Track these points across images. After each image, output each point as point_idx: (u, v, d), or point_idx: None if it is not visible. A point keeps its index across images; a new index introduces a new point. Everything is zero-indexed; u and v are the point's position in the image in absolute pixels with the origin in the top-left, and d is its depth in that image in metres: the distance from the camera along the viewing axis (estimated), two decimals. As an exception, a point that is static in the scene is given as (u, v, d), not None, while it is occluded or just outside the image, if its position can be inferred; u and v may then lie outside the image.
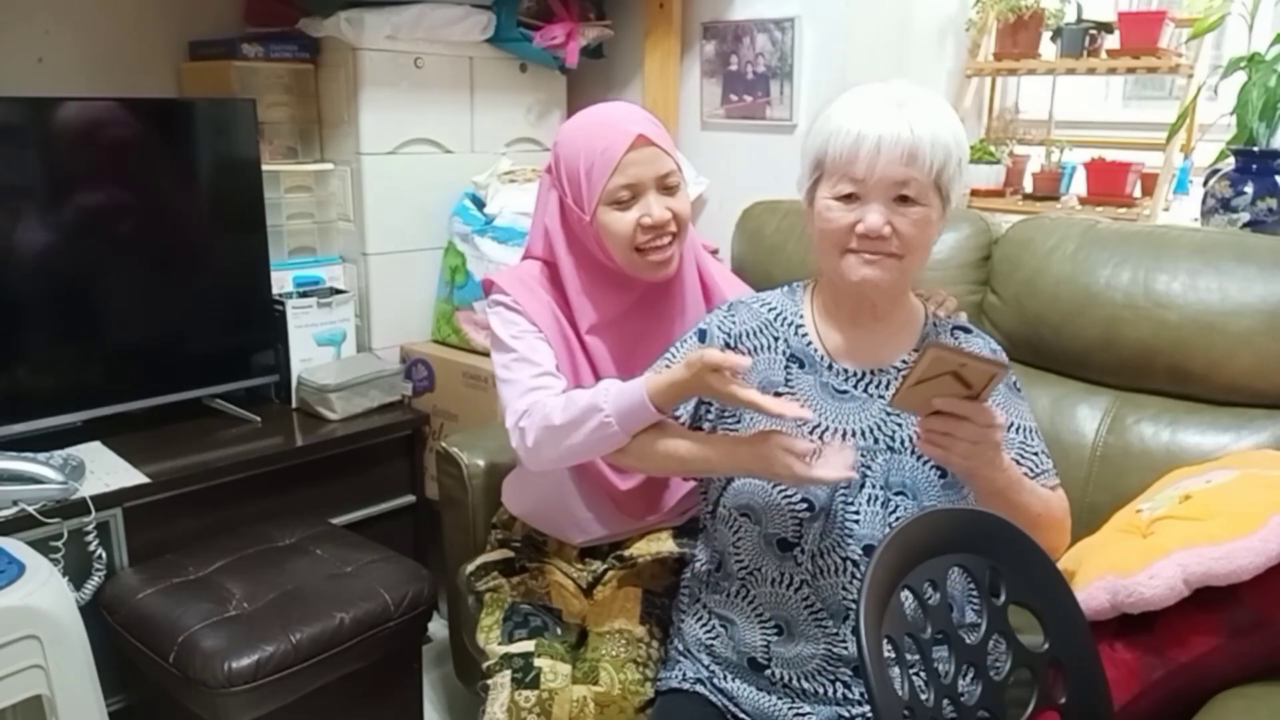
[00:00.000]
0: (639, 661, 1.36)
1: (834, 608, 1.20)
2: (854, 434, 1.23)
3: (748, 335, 1.30)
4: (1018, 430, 1.26)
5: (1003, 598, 1.05)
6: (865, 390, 1.25)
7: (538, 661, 1.35)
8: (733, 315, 1.33)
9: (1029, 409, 1.30)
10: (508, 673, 1.34)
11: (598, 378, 1.45)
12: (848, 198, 1.18)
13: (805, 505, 1.22)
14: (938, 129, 1.15)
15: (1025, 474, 1.23)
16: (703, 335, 1.33)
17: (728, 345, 1.30)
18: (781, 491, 1.23)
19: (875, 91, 1.19)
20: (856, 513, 1.21)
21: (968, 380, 1.03)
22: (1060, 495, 1.26)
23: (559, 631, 1.42)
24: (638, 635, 1.39)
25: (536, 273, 1.49)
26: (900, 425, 1.23)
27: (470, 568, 1.58)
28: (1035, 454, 1.26)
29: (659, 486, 1.52)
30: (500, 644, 1.40)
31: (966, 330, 1.33)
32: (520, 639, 1.39)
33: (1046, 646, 1.06)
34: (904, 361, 1.26)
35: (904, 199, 1.16)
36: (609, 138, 1.36)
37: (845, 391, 1.25)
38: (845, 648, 1.20)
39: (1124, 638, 1.16)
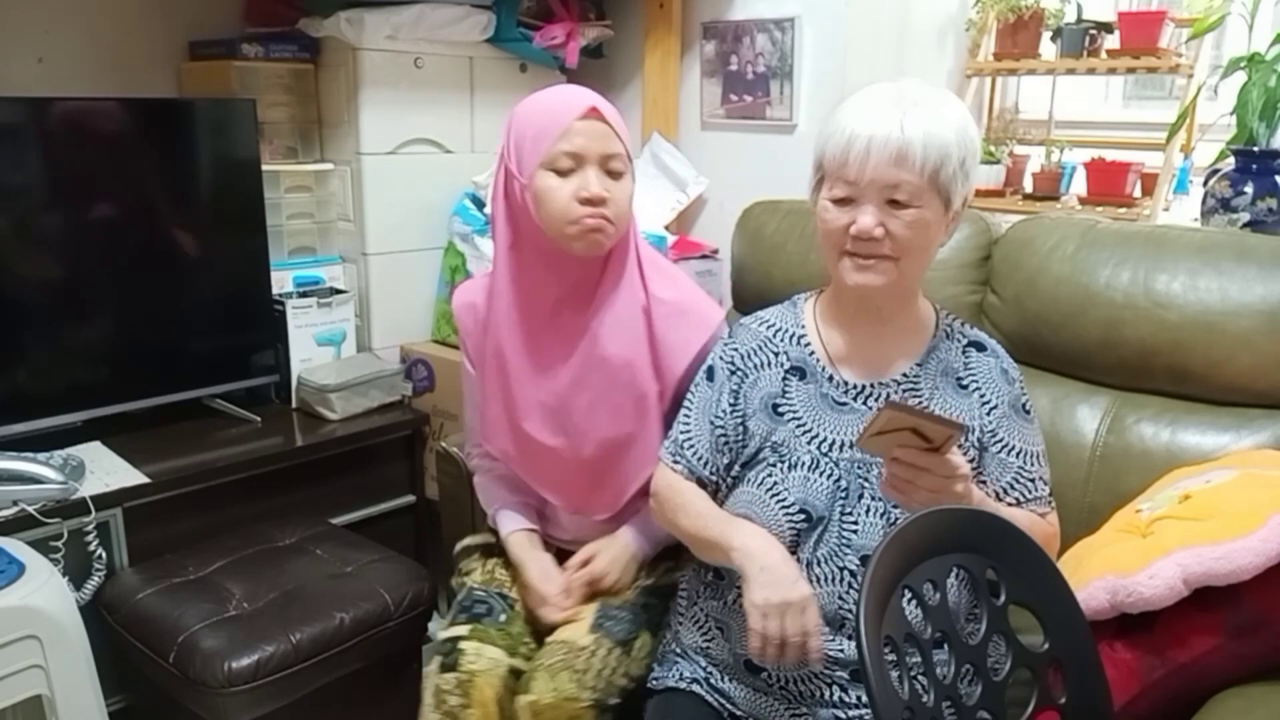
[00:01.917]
0: (577, 670, 1.32)
1: (830, 616, 1.20)
2: (852, 447, 1.22)
3: (748, 355, 1.31)
4: (1018, 454, 1.25)
5: (1003, 598, 1.05)
6: (864, 403, 1.25)
7: (463, 644, 1.37)
8: (733, 340, 1.34)
9: (1037, 432, 1.29)
10: (438, 658, 1.37)
11: (507, 381, 1.46)
12: (843, 200, 1.18)
13: (803, 516, 1.21)
14: (933, 128, 1.14)
15: (1016, 499, 1.23)
16: (710, 373, 1.33)
17: (732, 372, 1.30)
18: (779, 501, 1.23)
19: (880, 91, 1.18)
20: (855, 523, 1.20)
21: (927, 435, 1.04)
22: (1047, 522, 1.26)
23: (503, 618, 1.42)
24: (581, 644, 1.35)
25: (489, 277, 1.49)
26: None
27: (459, 547, 1.61)
28: (1030, 480, 1.25)
29: (584, 484, 1.49)
30: (443, 630, 1.42)
31: (980, 348, 1.30)
32: (460, 623, 1.42)
33: (1046, 646, 1.06)
34: (904, 375, 1.25)
35: (896, 202, 1.15)
36: (561, 106, 1.33)
37: (844, 404, 1.25)
38: (842, 652, 1.19)
39: (1124, 638, 1.16)
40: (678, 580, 1.43)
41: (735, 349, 1.32)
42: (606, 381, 1.40)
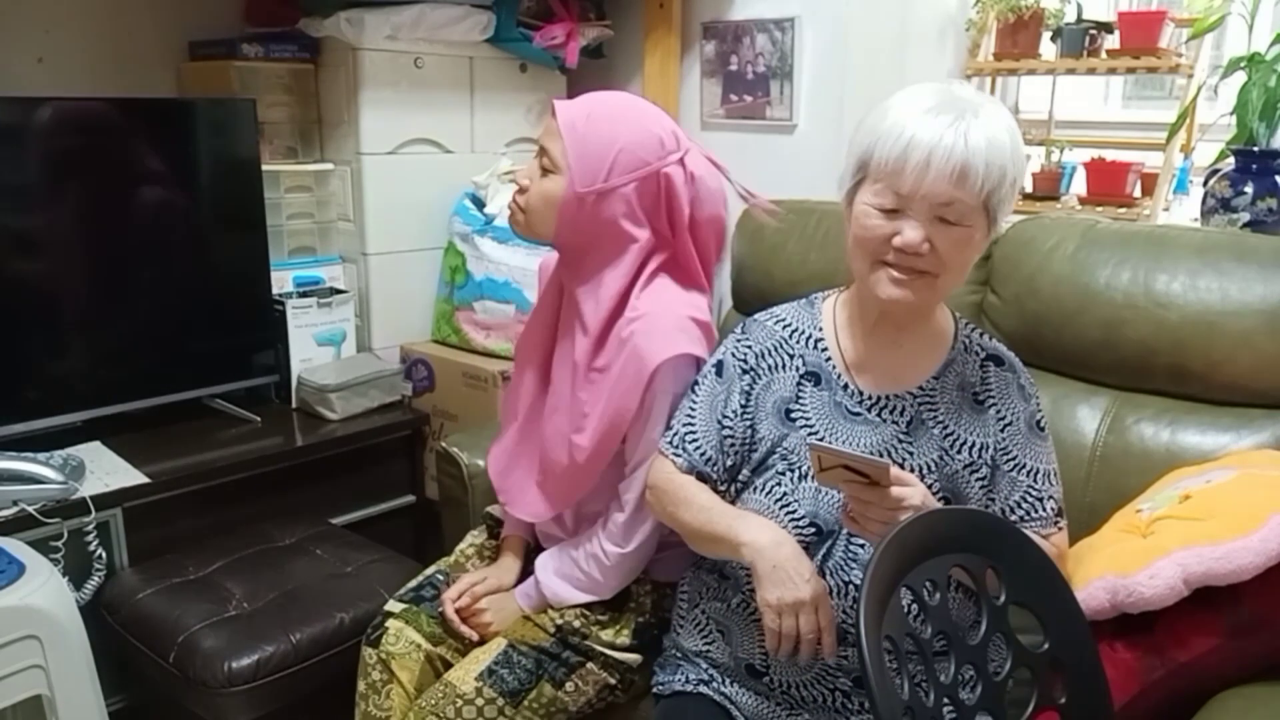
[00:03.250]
0: (440, 716, 1.30)
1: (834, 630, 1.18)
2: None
3: (763, 355, 1.28)
4: (1029, 473, 1.22)
5: (1003, 598, 1.05)
6: (879, 415, 1.23)
7: (390, 623, 1.43)
8: (746, 336, 1.31)
9: (1050, 450, 1.26)
10: (369, 630, 1.45)
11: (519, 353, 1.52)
12: (889, 210, 1.12)
13: (813, 530, 1.20)
14: (994, 147, 1.08)
15: (1019, 518, 1.21)
16: (720, 368, 1.30)
17: (744, 371, 1.28)
18: (789, 512, 1.21)
19: (934, 94, 1.12)
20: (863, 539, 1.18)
21: (862, 471, 1.05)
22: (1050, 543, 1.21)
23: (441, 608, 1.44)
24: (461, 690, 1.31)
25: None
26: (912, 453, 1.20)
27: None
28: (1038, 499, 1.22)
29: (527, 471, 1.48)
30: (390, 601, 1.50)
31: (999, 362, 1.26)
32: (403, 600, 1.48)
33: (1046, 646, 1.06)
34: (920, 388, 1.23)
35: (945, 219, 1.10)
36: None
37: (858, 414, 1.23)
38: (845, 658, 1.19)
39: (1124, 638, 1.16)
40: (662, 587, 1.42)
41: (749, 346, 1.29)
42: (566, 380, 1.41)
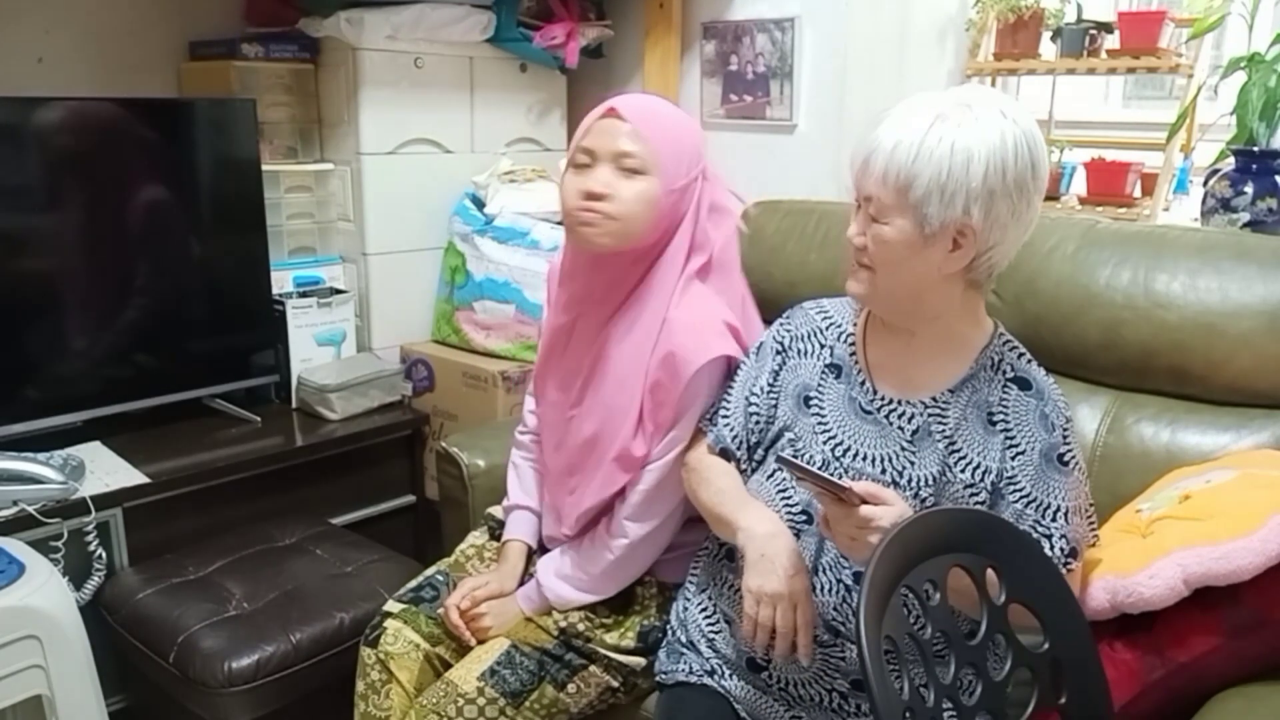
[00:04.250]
0: (446, 718, 1.29)
1: (827, 626, 1.18)
2: (865, 458, 1.21)
3: (798, 339, 1.32)
4: (1036, 506, 1.16)
5: (1003, 597, 1.05)
6: (888, 418, 1.22)
7: (388, 623, 1.42)
8: (788, 321, 1.35)
9: (1072, 486, 1.18)
10: (367, 630, 1.44)
11: (544, 354, 1.51)
12: (857, 209, 1.18)
13: (805, 517, 1.21)
14: (926, 149, 1.08)
15: None
16: (759, 349, 1.34)
17: (778, 352, 1.31)
18: (785, 498, 1.22)
19: (918, 100, 1.13)
20: None
21: (828, 489, 1.06)
22: None
23: (440, 611, 1.43)
24: (462, 690, 1.30)
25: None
26: (913, 463, 1.19)
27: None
28: (1044, 536, 1.15)
29: (565, 477, 1.47)
30: (389, 601, 1.48)
31: (1025, 386, 1.20)
32: (402, 600, 1.46)
33: (1046, 646, 1.06)
34: (933, 399, 1.21)
35: (871, 216, 1.14)
36: (596, 109, 1.37)
37: (870, 412, 1.23)
38: (843, 659, 1.19)
39: (1124, 638, 1.16)
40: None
41: (788, 330, 1.33)
42: (607, 381, 1.40)
